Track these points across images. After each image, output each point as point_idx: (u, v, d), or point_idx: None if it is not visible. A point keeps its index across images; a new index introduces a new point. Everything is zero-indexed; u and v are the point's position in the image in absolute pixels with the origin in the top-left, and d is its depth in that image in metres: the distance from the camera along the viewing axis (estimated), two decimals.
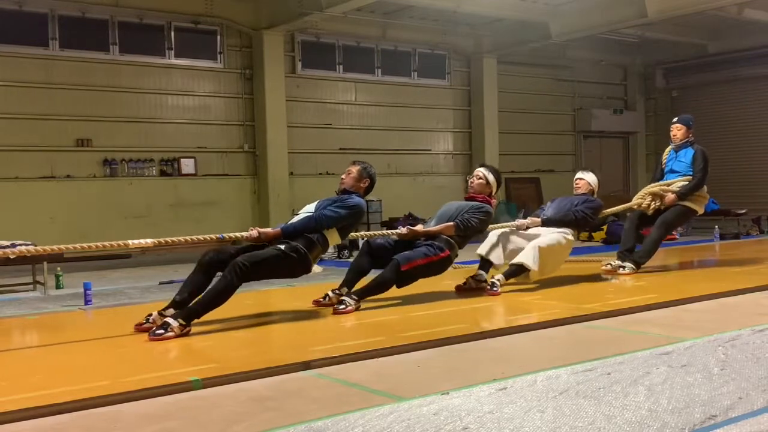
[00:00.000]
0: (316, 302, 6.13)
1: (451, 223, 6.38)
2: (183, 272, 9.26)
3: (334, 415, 3.23)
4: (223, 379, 3.88)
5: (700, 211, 8.04)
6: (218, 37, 13.01)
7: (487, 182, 6.81)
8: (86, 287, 6.91)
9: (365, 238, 10.87)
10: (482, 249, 7.00)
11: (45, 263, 7.77)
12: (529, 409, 3.24)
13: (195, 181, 12.74)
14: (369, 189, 6.15)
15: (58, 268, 8.19)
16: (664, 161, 8.25)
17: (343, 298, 5.88)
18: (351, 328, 5.35)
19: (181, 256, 11.54)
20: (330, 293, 6.13)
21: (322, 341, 4.74)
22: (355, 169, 6.11)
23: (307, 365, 4.13)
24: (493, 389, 3.58)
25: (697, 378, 3.68)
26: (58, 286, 8.02)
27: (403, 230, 6.44)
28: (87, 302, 6.84)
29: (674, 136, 8.13)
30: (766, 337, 4.58)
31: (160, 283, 8.36)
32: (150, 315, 5.24)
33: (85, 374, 4.07)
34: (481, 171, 6.91)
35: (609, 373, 3.80)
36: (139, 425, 3.27)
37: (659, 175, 8.25)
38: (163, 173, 12.49)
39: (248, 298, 6.28)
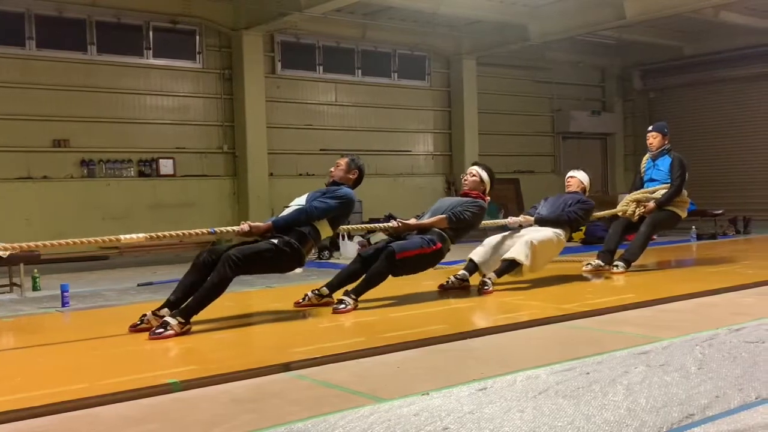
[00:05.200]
0: (297, 304, 6.12)
1: (443, 216, 6.42)
2: (162, 274, 9.24)
3: (314, 417, 3.22)
4: (203, 381, 3.85)
5: (684, 215, 8.20)
6: (197, 37, 12.95)
7: (481, 180, 6.89)
8: (63, 289, 6.85)
9: (351, 245, 10.90)
10: (474, 254, 7.01)
11: (22, 265, 7.68)
12: (508, 409, 3.25)
13: (174, 182, 12.66)
14: (358, 181, 6.19)
15: (35, 270, 8.10)
16: (642, 170, 8.34)
17: (342, 297, 5.87)
18: (331, 329, 5.34)
19: (159, 257, 11.49)
20: (310, 293, 6.13)
21: (303, 342, 4.73)
22: (343, 162, 6.17)
23: (287, 366, 4.12)
24: (473, 389, 3.59)
25: (675, 377, 3.71)
26: (34, 288, 7.94)
27: (394, 223, 6.44)
28: (64, 304, 6.77)
29: (650, 144, 8.21)
30: (743, 337, 4.63)
31: (139, 285, 8.30)
32: (144, 315, 5.21)
33: (63, 377, 4.04)
34: (474, 168, 6.99)
35: (588, 373, 3.83)
36: (118, 428, 3.25)
37: (639, 183, 8.34)
38: (141, 174, 12.40)
39: (228, 299, 6.25)
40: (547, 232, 7.05)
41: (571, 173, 7.97)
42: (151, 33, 12.46)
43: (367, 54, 15.01)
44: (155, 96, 12.60)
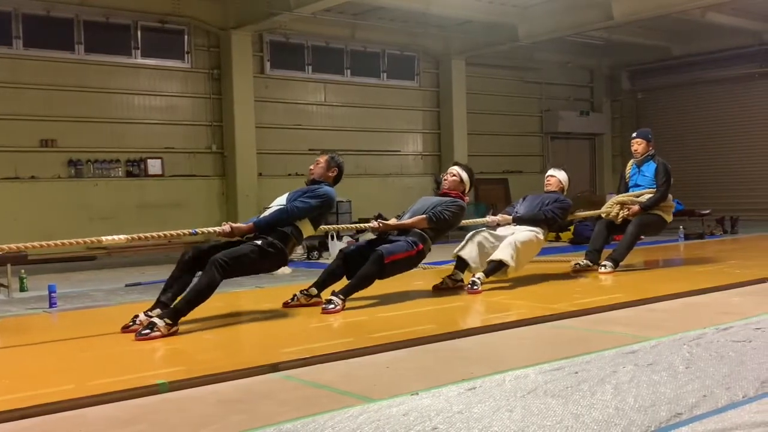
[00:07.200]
0: (286, 304, 6.12)
1: (424, 216, 6.44)
2: (150, 274, 9.21)
3: (303, 417, 3.22)
4: (191, 381, 3.84)
5: (669, 219, 8.25)
6: (186, 37, 12.91)
7: (461, 180, 6.91)
8: (51, 290, 6.81)
9: (340, 244, 10.89)
10: (461, 252, 7.04)
11: (9, 265, 7.64)
12: (497, 409, 3.26)
13: (162, 182, 12.62)
14: (338, 178, 6.20)
15: (22, 271, 8.05)
16: (627, 176, 8.39)
17: (330, 297, 5.87)
18: (320, 330, 5.34)
19: (147, 258, 11.43)
20: (298, 294, 6.13)
21: (291, 343, 4.72)
22: (323, 159, 6.17)
23: (275, 367, 4.11)
24: (462, 389, 3.59)
25: (663, 376, 3.73)
26: (22, 289, 7.88)
27: (374, 223, 6.47)
28: (52, 305, 6.73)
29: (635, 150, 8.25)
30: (730, 336, 4.65)
31: (126, 285, 8.26)
32: (137, 316, 5.20)
33: (50, 378, 4.01)
34: (455, 169, 7.01)
35: (576, 372, 3.84)
36: (106, 429, 3.23)
37: (623, 189, 8.38)
38: (129, 174, 12.35)
39: (217, 300, 6.23)
40: (528, 233, 7.12)
41: (550, 172, 8.00)
42: (139, 32, 12.41)
43: (357, 54, 15.00)
44: (143, 96, 12.55)
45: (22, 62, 11.38)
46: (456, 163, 7.25)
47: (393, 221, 6.55)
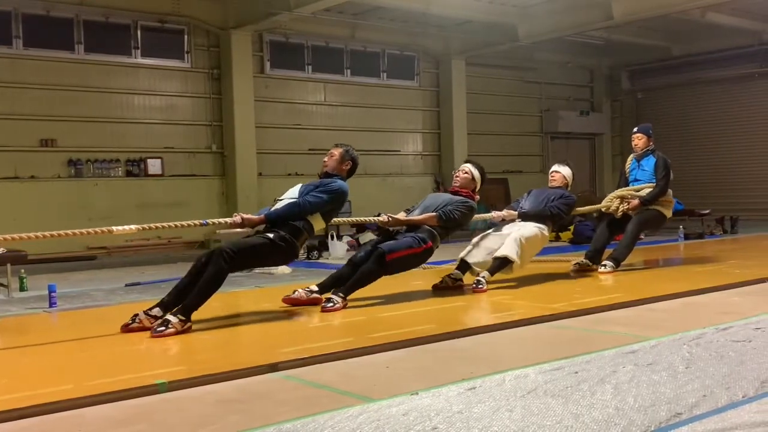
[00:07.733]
0: (286, 299, 6.09)
1: (434, 214, 6.44)
2: (150, 274, 9.20)
3: (302, 417, 3.21)
4: (190, 381, 3.83)
5: (669, 215, 8.25)
6: (185, 37, 12.91)
7: (473, 178, 6.94)
8: (51, 289, 6.80)
9: (340, 244, 10.88)
10: (465, 254, 7.04)
11: (9, 265, 7.63)
12: (497, 409, 3.25)
13: (162, 181, 12.62)
14: (351, 171, 6.13)
15: (22, 270, 8.04)
16: (627, 170, 8.39)
17: (330, 296, 5.87)
18: (319, 329, 5.33)
19: (147, 258, 11.44)
20: (300, 290, 6.11)
21: (290, 343, 4.71)
22: (337, 152, 6.08)
23: (274, 367, 4.10)
24: (462, 389, 3.58)
25: (663, 376, 3.72)
26: (21, 289, 7.88)
27: (384, 218, 6.44)
28: (52, 304, 6.73)
29: (635, 145, 8.27)
30: (730, 336, 4.64)
31: (126, 285, 8.26)
32: (136, 315, 5.18)
33: (48, 378, 4.01)
34: (467, 166, 7.03)
35: (576, 372, 3.83)
36: (104, 429, 3.23)
37: (623, 183, 8.39)
38: (129, 174, 12.35)
39: (217, 300, 6.22)
40: (532, 229, 7.12)
41: (555, 167, 8.00)
42: (139, 32, 12.41)
43: (357, 54, 15.00)
44: (143, 95, 12.55)
45: (22, 62, 11.39)
46: (468, 161, 7.26)
47: (402, 216, 6.52)
